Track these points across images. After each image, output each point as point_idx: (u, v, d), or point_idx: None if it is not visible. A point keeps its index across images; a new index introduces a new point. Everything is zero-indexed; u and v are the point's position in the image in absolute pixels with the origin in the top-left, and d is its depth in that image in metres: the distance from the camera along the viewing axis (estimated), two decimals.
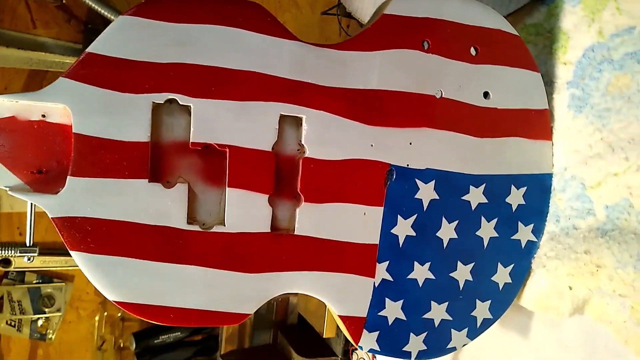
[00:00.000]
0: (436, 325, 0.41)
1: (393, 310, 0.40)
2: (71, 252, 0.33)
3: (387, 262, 0.40)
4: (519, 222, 0.43)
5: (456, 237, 0.41)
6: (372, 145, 0.39)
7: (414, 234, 0.40)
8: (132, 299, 0.34)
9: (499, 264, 0.43)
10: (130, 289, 0.34)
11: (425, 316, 0.41)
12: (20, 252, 0.49)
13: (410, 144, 0.40)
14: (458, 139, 0.41)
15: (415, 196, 0.40)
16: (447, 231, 0.41)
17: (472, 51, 0.41)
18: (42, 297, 1.09)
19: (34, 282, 1.08)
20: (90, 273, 0.34)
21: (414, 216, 0.40)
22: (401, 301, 0.40)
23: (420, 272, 0.40)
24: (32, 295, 1.08)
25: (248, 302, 0.36)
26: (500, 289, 0.43)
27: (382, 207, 0.39)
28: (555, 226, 0.43)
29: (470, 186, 0.41)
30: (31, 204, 0.33)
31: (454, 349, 0.42)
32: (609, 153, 0.38)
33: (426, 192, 0.40)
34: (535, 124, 0.43)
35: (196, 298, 0.35)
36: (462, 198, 0.41)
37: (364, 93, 0.39)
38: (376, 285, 0.39)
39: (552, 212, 0.43)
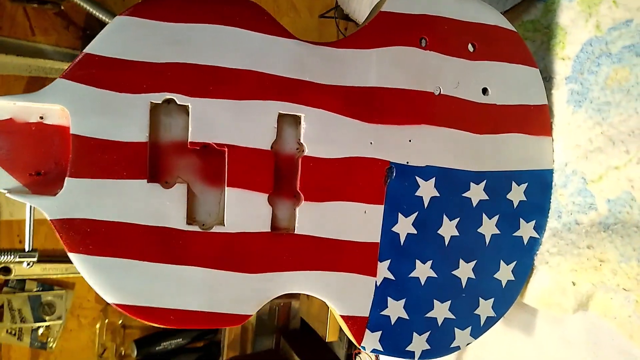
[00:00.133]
0: (439, 324, 0.41)
1: (395, 309, 0.39)
2: (70, 255, 0.33)
3: (389, 261, 0.39)
4: (521, 219, 0.43)
5: (457, 234, 0.41)
6: (371, 143, 0.39)
7: (415, 231, 0.40)
8: (132, 301, 0.34)
9: (501, 261, 0.42)
10: (129, 291, 0.34)
11: (428, 315, 0.40)
12: (19, 258, 0.49)
13: (410, 141, 0.40)
14: (457, 136, 0.41)
15: (416, 194, 0.40)
16: (448, 229, 0.41)
17: (470, 47, 0.41)
18: (43, 305, 1.08)
19: (35, 290, 1.07)
20: (89, 275, 0.33)
21: (415, 214, 0.40)
22: (403, 300, 0.40)
23: (422, 271, 0.40)
24: (32, 303, 1.07)
25: (249, 302, 0.36)
26: (503, 286, 0.42)
27: (383, 205, 0.39)
28: (557, 222, 0.42)
29: (471, 183, 0.41)
30: (30, 207, 0.33)
31: (457, 348, 0.42)
32: (610, 146, 0.38)
33: (426, 190, 0.40)
34: (535, 120, 0.43)
35: (196, 299, 0.35)
36: (463, 195, 0.41)
37: (362, 91, 0.38)
38: (378, 284, 0.39)
39: (554, 208, 0.43)
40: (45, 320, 1.09)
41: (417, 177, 0.40)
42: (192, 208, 0.36)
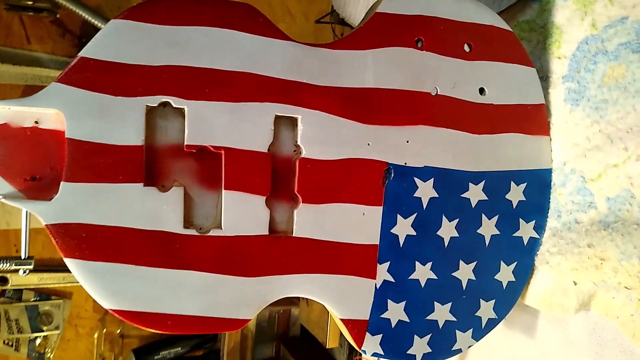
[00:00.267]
0: (440, 327, 0.40)
1: (396, 312, 0.39)
2: (65, 260, 0.33)
3: (388, 263, 0.39)
4: (520, 219, 0.43)
5: (457, 235, 0.41)
6: (368, 144, 0.38)
7: (415, 233, 0.40)
8: (129, 306, 0.33)
9: (501, 262, 0.42)
10: (126, 297, 0.33)
11: (429, 317, 0.40)
12: (15, 265, 0.48)
13: (407, 142, 0.39)
14: (455, 136, 0.41)
15: (414, 195, 0.40)
16: (447, 230, 0.40)
17: (466, 48, 0.41)
18: (40, 315, 1.07)
19: (32, 299, 1.06)
20: (86, 281, 0.33)
21: (414, 215, 0.40)
22: (404, 302, 0.39)
23: (422, 272, 0.40)
24: (29, 313, 1.06)
25: (247, 306, 0.36)
26: (504, 287, 0.42)
27: (381, 207, 0.39)
28: (557, 222, 0.42)
29: (470, 183, 0.41)
30: (26, 213, 0.33)
31: (459, 350, 0.41)
32: (608, 144, 0.37)
33: (425, 191, 0.40)
34: (532, 119, 0.43)
35: (194, 304, 0.34)
36: (462, 196, 0.41)
37: (359, 92, 0.38)
38: (378, 286, 0.39)
39: (553, 208, 0.43)
40: (42, 331, 1.08)
41: (415, 178, 0.40)
42: (189, 212, 0.36)
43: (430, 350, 0.40)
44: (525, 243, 0.43)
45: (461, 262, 0.41)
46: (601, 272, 0.36)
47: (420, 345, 0.40)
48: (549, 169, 0.44)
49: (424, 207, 0.40)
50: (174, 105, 0.35)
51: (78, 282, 0.33)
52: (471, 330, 0.41)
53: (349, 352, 0.91)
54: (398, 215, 0.39)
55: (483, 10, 0.42)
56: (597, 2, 0.39)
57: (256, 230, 0.36)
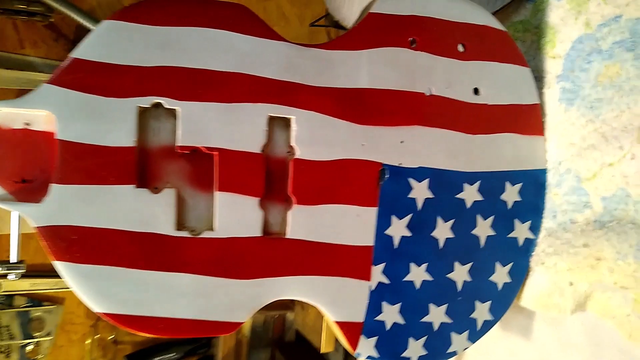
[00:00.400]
0: (435, 329, 0.40)
1: (391, 314, 0.39)
2: (55, 263, 0.32)
3: (383, 264, 0.39)
4: (516, 220, 0.42)
5: (452, 236, 0.40)
6: (363, 145, 0.38)
7: (410, 234, 0.39)
8: (120, 310, 0.33)
9: (497, 263, 0.42)
10: (117, 300, 0.33)
11: (424, 319, 0.40)
12: (5, 269, 0.48)
13: (402, 142, 0.39)
14: (450, 136, 0.40)
15: (409, 195, 0.39)
16: (442, 231, 0.40)
17: (460, 47, 0.41)
18: (32, 321, 1.06)
19: (23, 305, 1.05)
20: (76, 284, 0.32)
21: (409, 216, 0.39)
22: (399, 304, 0.39)
23: (417, 274, 0.39)
24: (21, 319, 1.05)
25: (240, 309, 0.35)
26: (500, 288, 0.42)
27: (376, 208, 0.38)
28: (552, 222, 0.42)
29: (465, 184, 0.41)
30: (17, 217, 0.32)
31: (454, 353, 0.41)
32: (603, 143, 0.37)
33: (420, 191, 0.40)
34: (527, 119, 0.43)
35: (186, 307, 0.34)
36: (457, 196, 0.41)
37: (353, 92, 0.38)
38: (372, 288, 0.38)
39: (549, 208, 0.42)
40: (34, 337, 1.06)
41: (410, 179, 0.39)
42: (181, 214, 0.35)
43: (426, 353, 0.40)
44: (520, 244, 0.43)
45: (456, 264, 0.40)
46: (597, 272, 0.36)
47: (415, 348, 0.39)
48: (544, 169, 0.43)
49: (419, 207, 0.39)
50: (167, 106, 0.34)
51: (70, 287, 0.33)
52: (467, 332, 0.41)
53: (344, 357, 0.90)
54: (393, 216, 0.39)
55: (477, 10, 0.42)
56: (591, 1, 0.39)
57: (250, 232, 0.36)
